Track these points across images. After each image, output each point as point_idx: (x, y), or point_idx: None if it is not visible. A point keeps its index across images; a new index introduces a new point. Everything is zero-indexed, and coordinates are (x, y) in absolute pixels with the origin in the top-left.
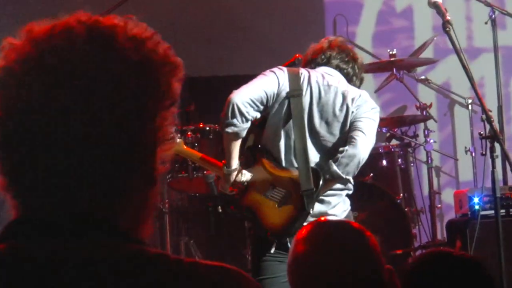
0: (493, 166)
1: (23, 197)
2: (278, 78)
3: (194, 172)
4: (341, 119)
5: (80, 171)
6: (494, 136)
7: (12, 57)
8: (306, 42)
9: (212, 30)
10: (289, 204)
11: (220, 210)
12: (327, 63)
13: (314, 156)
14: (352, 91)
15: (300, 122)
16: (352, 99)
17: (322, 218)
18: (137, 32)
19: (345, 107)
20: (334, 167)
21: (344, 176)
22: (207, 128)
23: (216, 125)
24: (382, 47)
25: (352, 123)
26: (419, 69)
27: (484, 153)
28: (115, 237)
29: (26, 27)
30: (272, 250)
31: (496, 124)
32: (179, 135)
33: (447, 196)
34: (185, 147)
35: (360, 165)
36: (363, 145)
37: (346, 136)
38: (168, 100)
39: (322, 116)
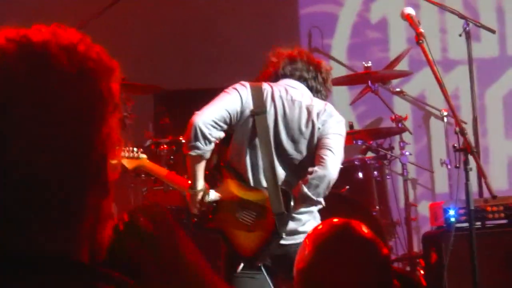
0: (467, 179)
1: None
2: (241, 96)
3: (170, 185)
4: (307, 136)
5: (29, 202)
6: (468, 149)
7: None
8: None
9: (188, 43)
10: (260, 228)
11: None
12: (290, 75)
13: (281, 174)
14: (316, 104)
15: (266, 139)
16: (317, 114)
17: (335, 220)
18: (68, 41)
19: (310, 123)
20: (305, 190)
21: (315, 198)
22: (183, 141)
23: None
24: (357, 59)
25: (319, 139)
26: (395, 81)
27: (458, 165)
28: (68, 271)
29: None
30: (239, 270)
31: (470, 136)
32: (142, 150)
33: (424, 208)
34: (148, 162)
35: (331, 185)
36: (333, 165)
37: (313, 153)
38: (111, 105)
39: (288, 133)
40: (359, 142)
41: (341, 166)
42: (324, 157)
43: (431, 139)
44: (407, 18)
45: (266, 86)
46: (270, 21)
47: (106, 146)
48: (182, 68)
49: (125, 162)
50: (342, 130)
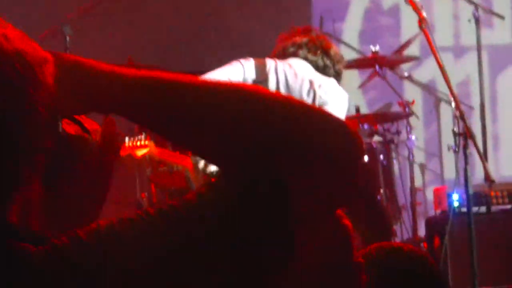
0: (466, 163)
1: None
2: (243, 66)
3: (175, 166)
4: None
5: None
6: (467, 134)
7: None
8: None
9: (199, 32)
10: None
11: None
12: (295, 54)
13: None
14: (319, 78)
15: None
16: (320, 85)
17: None
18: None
19: (312, 92)
20: None
21: None
22: None
23: None
24: (368, 44)
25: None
26: (406, 67)
27: (457, 150)
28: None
29: None
30: None
31: (477, 122)
32: (149, 136)
33: (432, 193)
34: (155, 149)
35: None
36: None
37: None
38: (44, 90)
39: None
40: (366, 126)
41: None
42: None
43: (441, 124)
44: (410, 2)
45: (269, 61)
46: (280, 5)
47: (33, 123)
48: (194, 60)
49: (132, 151)
50: (344, 104)
